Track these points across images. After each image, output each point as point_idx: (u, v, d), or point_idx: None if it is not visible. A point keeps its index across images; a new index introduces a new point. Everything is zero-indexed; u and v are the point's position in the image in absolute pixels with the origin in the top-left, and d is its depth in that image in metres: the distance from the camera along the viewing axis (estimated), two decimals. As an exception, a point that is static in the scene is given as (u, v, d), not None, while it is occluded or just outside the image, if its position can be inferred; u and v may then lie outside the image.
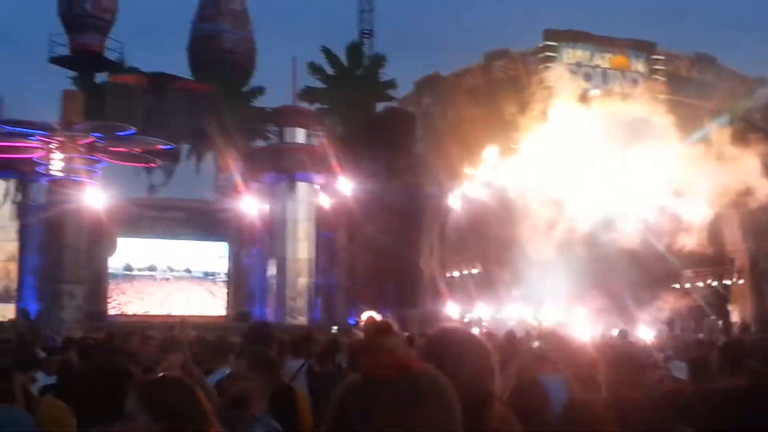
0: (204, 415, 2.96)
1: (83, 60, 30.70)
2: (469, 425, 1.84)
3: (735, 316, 32.88)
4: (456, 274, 32.31)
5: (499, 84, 30.96)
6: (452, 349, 2.73)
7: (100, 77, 30.38)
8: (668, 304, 31.08)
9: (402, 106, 30.33)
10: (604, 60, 32.61)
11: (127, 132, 25.12)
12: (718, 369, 6.36)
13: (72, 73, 31.11)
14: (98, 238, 24.97)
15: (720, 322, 32.10)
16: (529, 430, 3.54)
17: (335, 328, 21.18)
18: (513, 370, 6.11)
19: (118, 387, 4.50)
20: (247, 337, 6.30)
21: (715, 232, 33.00)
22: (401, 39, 54.62)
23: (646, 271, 33.60)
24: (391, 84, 32.31)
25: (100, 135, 24.85)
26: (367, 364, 1.84)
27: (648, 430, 4.35)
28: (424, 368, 1.84)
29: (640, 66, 32.94)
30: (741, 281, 33.67)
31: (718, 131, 30.81)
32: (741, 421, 5.04)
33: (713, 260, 33.98)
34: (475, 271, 32.93)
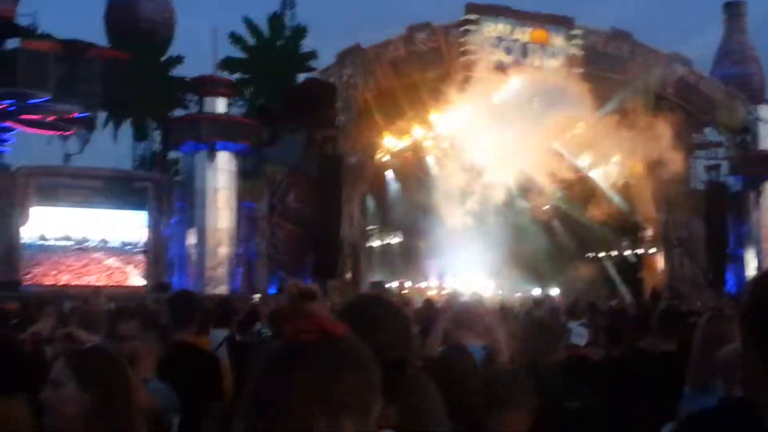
0: (131, 386, 2.95)
1: (-6, 25, 29.74)
2: (385, 388, 1.81)
3: (646, 285, 33.81)
4: (377, 243, 32.54)
5: (420, 56, 31.11)
6: (369, 315, 2.79)
7: (12, 43, 29.45)
8: (581, 272, 31.87)
9: (323, 78, 30.18)
10: (524, 34, 33.01)
11: (40, 100, 24.47)
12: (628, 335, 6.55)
13: (-19, 39, 30.13)
14: (10, 206, 24.35)
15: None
16: (457, 395, 3.61)
17: (257, 296, 21.09)
18: (435, 336, 6.19)
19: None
20: (171, 305, 6.15)
21: (627, 201, 33.93)
22: (323, 10, 54.32)
23: (560, 240, 34.39)
24: (312, 55, 32.14)
25: (11, 102, 24.17)
26: (289, 328, 1.78)
27: (557, 394, 4.47)
28: (345, 333, 1.80)
29: (558, 40, 33.42)
30: (652, 250, 34.61)
31: (632, 103, 31.62)
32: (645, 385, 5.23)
33: (625, 229, 34.93)
34: (396, 240, 33.22)
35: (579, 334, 8.77)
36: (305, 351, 1.71)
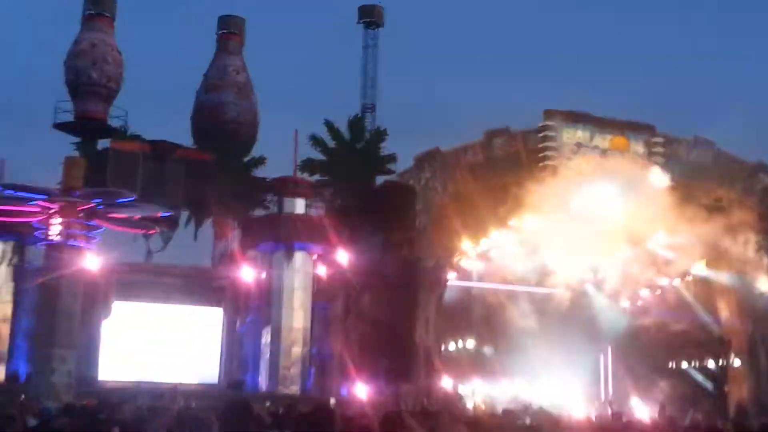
0: None
1: (86, 127, 31.02)
2: None
3: (731, 399, 32.54)
4: (451, 347, 32.15)
5: (498, 161, 31.24)
6: None
7: (103, 144, 30.65)
8: (664, 383, 30.87)
9: (402, 180, 30.49)
10: (604, 141, 32.97)
11: (127, 199, 25.18)
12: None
13: (75, 140, 31.41)
14: (93, 302, 24.88)
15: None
16: None
17: (333, 400, 20.98)
18: None
19: None
20: (224, 415, 6.10)
21: (712, 313, 33.00)
22: (403, 114, 55.25)
23: (642, 349, 33.49)
24: (392, 158, 32.55)
25: (100, 201, 24.92)
26: None
27: None
28: None
29: (639, 147, 33.28)
30: (737, 363, 33.41)
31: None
32: None
33: (710, 341, 33.87)
34: (469, 344, 32.78)
35: None
36: None
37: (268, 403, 19.31)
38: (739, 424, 17.59)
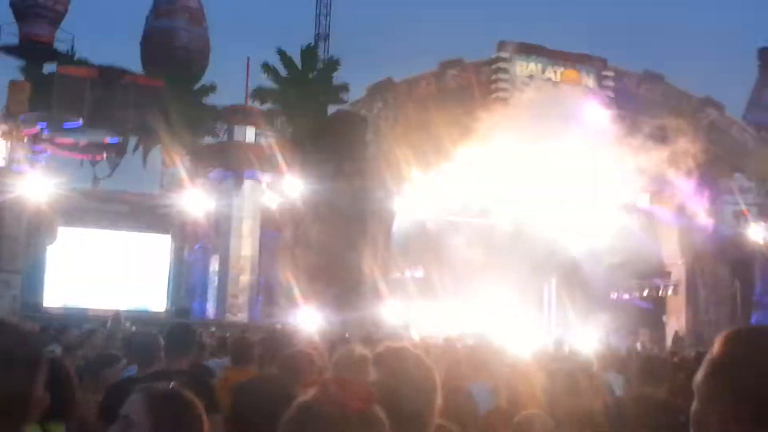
0: None
1: (32, 50, 30.45)
2: None
3: (670, 329, 33.48)
4: (398, 276, 32.49)
5: (451, 92, 31.26)
6: (396, 367, 2.88)
7: (49, 68, 30.11)
8: (605, 314, 31.55)
9: (354, 110, 30.42)
10: (555, 74, 33.09)
11: (74, 124, 24.90)
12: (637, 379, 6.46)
13: (20, 63, 30.82)
14: (38, 228, 24.74)
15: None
16: None
17: (279, 327, 21.15)
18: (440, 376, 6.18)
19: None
20: (168, 337, 6.19)
21: (653, 245, 33.70)
22: (356, 44, 54.77)
23: (586, 280, 34.13)
24: (344, 88, 32.43)
25: (44, 125, 24.61)
26: (344, 396, 2.04)
27: None
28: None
29: (590, 81, 33.46)
30: (677, 294, 34.27)
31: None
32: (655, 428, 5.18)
33: (652, 273, 34.64)
34: (417, 274, 33.16)
35: (617, 382, 8.74)
36: (358, 419, 1.97)
37: (213, 329, 19.49)
38: (676, 353, 18.16)
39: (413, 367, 2.98)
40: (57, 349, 10.03)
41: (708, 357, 1.79)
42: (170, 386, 2.82)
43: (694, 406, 1.78)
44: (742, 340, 1.79)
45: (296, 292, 25.61)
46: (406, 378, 2.86)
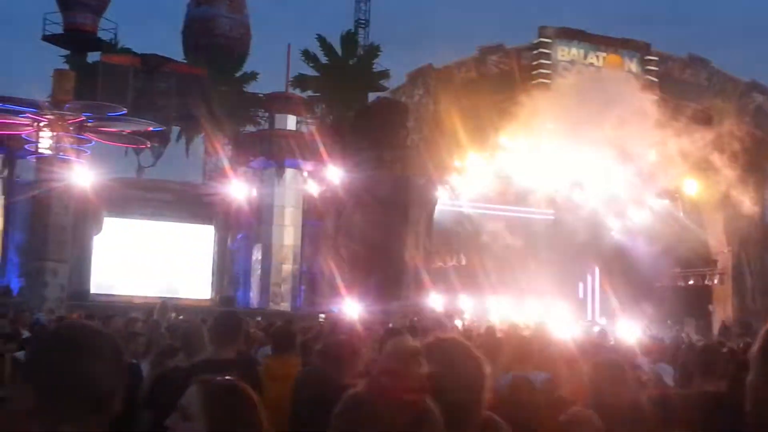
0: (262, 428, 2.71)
1: (76, 39, 30.67)
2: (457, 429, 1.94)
3: (716, 318, 33.08)
4: (440, 265, 32.43)
5: (492, 78, 31.02)
6: (446, 359, 2.83)
7: (93, 57, 30.32)
8: (649, 303, 31.25)
9: (394, 97, 30.31)
10: (598, 59, 32.68)
11: (118, 113, 25.06)
12: (695, 373, 6.34)
13: (64, 53, 31.07)
14: (84, 216, 25.01)
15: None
16: (522, 426, 3.64)
17: (322, 316, 21.28)
18: (499, 365, 6.14)
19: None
20: (215, 325, 6.14)
21: (699, 232, 33.28)
22: (396, 30, 54.60)
23: (630, 268, 33.83)
24: (385, 74, 32.35)
25: (90, 114, 24.80)
26: (395, 388, 2.03)
27: None
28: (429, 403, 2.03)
29: (633, 66, 32.99)
30: (723, 283, 33.83)
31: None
32: (717, 426, 5.08)
33: (697, 261, 34.22)
34: (459, 263, 33.07)
35: (667, 373, 8.61)
36: (411, 411, 1.95)
37: (259, 318, 19.58)
38: (723, 344, 17.91)
39: (463, 359, 2.95)
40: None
41: (765, 327, 1.85)
42: (227, 378, 2.79)
43: (750, 375, 1.83)
44: None
45: (338, 281, 25.65)
46: (456, 370, 2.83)
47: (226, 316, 6.46)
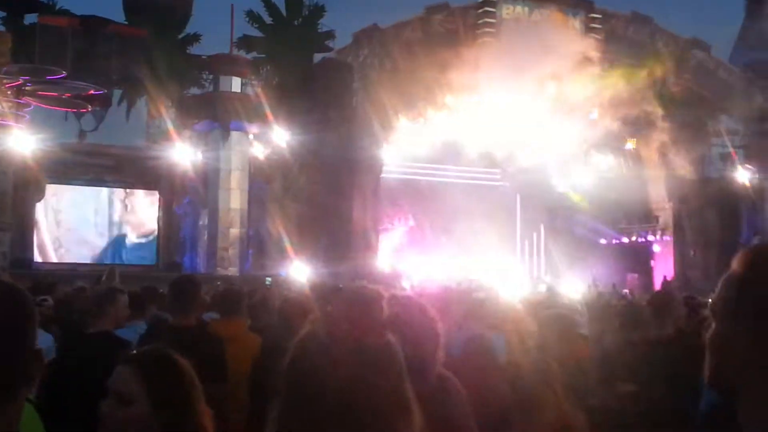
0: (202, 404, 2.56)
1: (12, 0, 29.80)
2: (413, 384, 1.97)
3: (657, 273, 33.77)
4: (389, 226, 32.59)
5: (437, 37, 30.99)
6: (400, 317, 2.86)
7: (30, 19, 29.53)
8: (593, 260, 31.86)
9: (340, 58, 30.13)
10: (542, 16, 32.78)
11: (57, 76, 24.52)
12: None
13: (0, 14, 30.21)
14: (25, 183, 24.57)
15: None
16: (481, 384, 3.72)
17: (269, 280, 21.22)
18: (456, 323, 6.18)
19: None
20: (172, 291, 6.16)
21: (641, 190, 33.86)
22: (342, -12, 53.92)
23: (574, 225, 34.38)
24: (330, 35, 32.00)
25: (28, 78, 24.23)
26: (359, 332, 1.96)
27: (586, 389, 4.52)
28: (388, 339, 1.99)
29: (577, 23, 33.15)
30: (664, 239, 34.52)
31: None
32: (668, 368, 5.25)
33: (640, 218, 34.86)
34: (407, 224, 33.27)
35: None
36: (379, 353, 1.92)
37: (219, 283, 19.43)
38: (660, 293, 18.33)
39: (418, 316, 3.01)
40: (49, 300, 10.06)
41: (727, 275, 1.76)
42: (156, 349, 2.63)
43: (713, 329, 1.74)
44: (763, 256, 1.76)
45: (287, 244, 25.63)
46: (412, 327, 2.89)
47: (182, 281, 6.42)
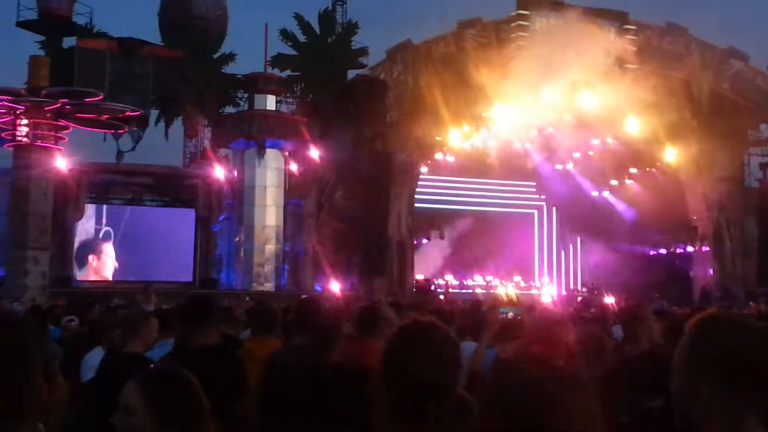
0: (206, 414, 2.73)
1: (51, 24, 30.35)
2: (431, 409, 2.15)
3: (697, 284, 33.34)
4: (424, 241, 32.56)
5: (471, 52, 30.97)
6: (419, 342, 2.88)
7: (69, 42, 30.07)
8: (633, 270, 31.53)
9: (373, 74, 30.26)
10: (576, 28, 32.60)
11: (96, 98, 24.93)
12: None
13: (39, 38, 30.79)
14: (65, 203, 24.96)
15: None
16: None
17: (304, 296, 21.25)
18: (484, 340, 6.15)
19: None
20: (184, 311, 6.01)
21: (680, 199, 33.50)
22: (374, 6, 54.31)
23: (612, 237, 34.05)
24: (363, 52, 32.22)
25: (67, 100, 24.67)
26: (544, 351, 2.13)
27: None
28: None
29: (611, 35, 32.95)
30: (703, 249, 34.07)
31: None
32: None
33: (678, 227, 34.46)
34: (442, 238, 33.21)
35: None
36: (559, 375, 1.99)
37: (247, 298, 19.62)
38: (701, 309, 18.08)
39: (440, 341, 3.00)
40: (75, 321, 10.15)
41: (681, 339, 2.08)
42: (163, 367, 2.88)
43: (676, 384, 2.06)
44: (709, 321, 2.10)
45: (322, 259, 25.73)
46: (432, 352, 2.88)
47: (195, 300, 6.27)
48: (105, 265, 26.41)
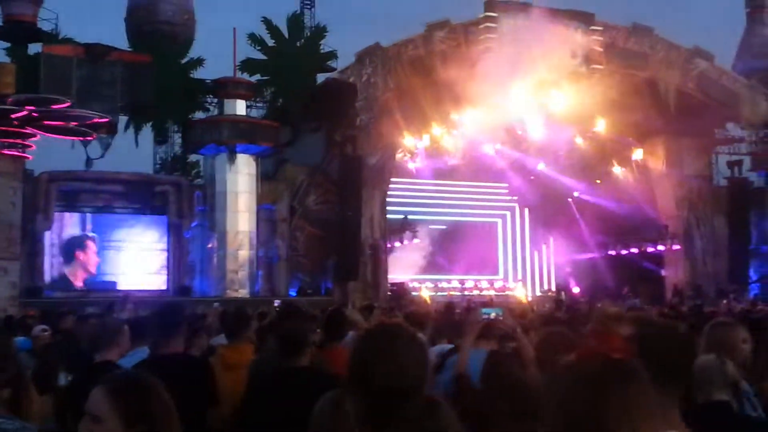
0: (175, 422, 2.71)
1: (16, 31, 29.93)
2: (397, 412, 2.15)
3: (668, 283, 33.66)
4: (397, 244, 32.56)
5: (440, 54, 31.05)
6: (383, 344, 2.87)
7: (34, 48, 29.67)
8: (605, 269, 31.76)
9: (343, 78, 30.21)
10: (543, 28, 32.79)
11: (63, 105, 24.64)
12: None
13: (4, 45, 30.34)
14: (34, 212, 24.63)
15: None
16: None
17: (277, 302, 21.20)
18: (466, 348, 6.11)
19: None
20: (153, 320, 6.01)
21: (650, 199, 33.81)
22: (343, 10, 54.32)
23: (583, 237, 34.28)
24: (332, 55, 32.09)
25: (33, 108, 24.36)
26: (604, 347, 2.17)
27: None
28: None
29: (578, 37, 33.19)
30: (674, 247, 34.41)
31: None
32: None
33: (649, 227, 34.79)
34: (416, 240, 33.22)
35: None
36: (620, 368, 2.04)
37: (216, 304, 19.52)
38: (673, 307, 18.32)
39: (407, 344, 3.02)
40: (48, 330, 10.00)
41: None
42: (129, 373, 2.87)
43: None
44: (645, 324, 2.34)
45: (296, 264, 25.64)
46: (398, 356, 2.89)
47: (163, 308, 6.30)
48: (91, 260, 26.12)
